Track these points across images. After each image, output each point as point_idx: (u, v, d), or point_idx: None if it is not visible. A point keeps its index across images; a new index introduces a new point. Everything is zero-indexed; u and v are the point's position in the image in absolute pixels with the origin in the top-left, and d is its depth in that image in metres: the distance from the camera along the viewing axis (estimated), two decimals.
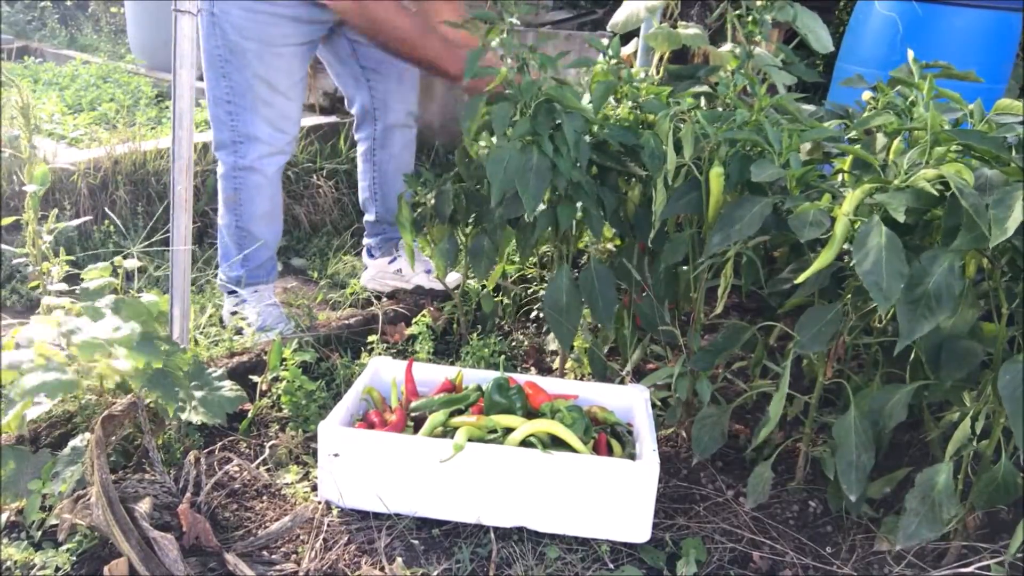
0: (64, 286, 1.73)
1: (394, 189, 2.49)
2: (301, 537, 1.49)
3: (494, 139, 1.77)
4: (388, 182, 2.52)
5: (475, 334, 2.20)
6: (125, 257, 1.69)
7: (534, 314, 2.39)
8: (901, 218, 1.26)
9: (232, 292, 2.30)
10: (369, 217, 2.60)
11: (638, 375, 1.99)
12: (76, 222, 1.96)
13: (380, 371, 1.85)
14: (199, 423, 1.69)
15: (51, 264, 1.75)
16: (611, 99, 1.87)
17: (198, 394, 1.55)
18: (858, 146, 1.59)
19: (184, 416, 1.50)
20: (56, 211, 1.80)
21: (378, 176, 2.53)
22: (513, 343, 2.25)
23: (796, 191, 1.49)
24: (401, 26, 2.05)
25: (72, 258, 1.80)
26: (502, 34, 1.72)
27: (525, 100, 1.68)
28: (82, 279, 1.67)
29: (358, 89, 2.43)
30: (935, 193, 1.31)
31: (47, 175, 1.68)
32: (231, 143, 2.18)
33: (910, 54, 1.69)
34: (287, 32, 2.12)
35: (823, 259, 1.38)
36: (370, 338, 2.13)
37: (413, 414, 1.70)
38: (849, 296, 1.50)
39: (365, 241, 2.64)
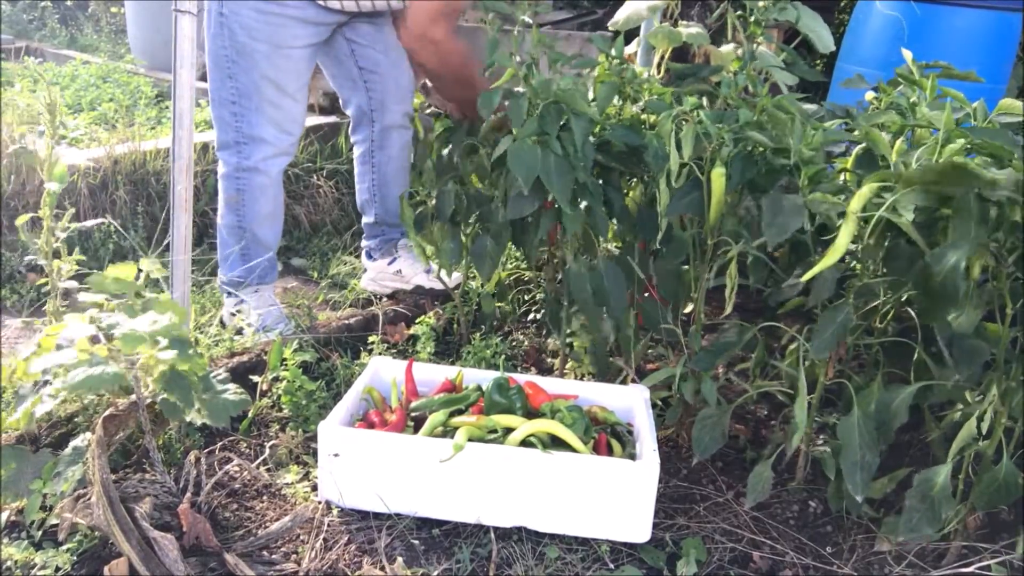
0: (74, 284, 1.73)
1: (393, 191, 2.48)
2: (301, 537, 1.49)
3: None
4: (387, 184, 2.51)
5: (475, 334, 2.19)
6: (135, 259, 1.69)
7: (532, 316, 2.39)
8: (909, 216, 1.26)
9: (232, 293, 2.29)
10: (368, 219, 2.60)
11: (638, 375, 1.99)
12: (91, 223, 1.96)
13: (380, 371, 1.84)
14: (200, 424, 1.69)
15: (62, 263, 1.75)
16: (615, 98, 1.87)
17: (201, 396, 1.54)
18: (862, 145, 1.58)
19: (188, 418, 1.50)
20: (73, 210, 1.80)
21: (377, 178, 2.52)
22: (513, 343, 2.25)
23: (806, 189, 1.49)
24: (462, 59, 2.16)
25: (81, 257, 1.80)
26: (514, 32, 1.72)
27: (536, 99, 1.68)
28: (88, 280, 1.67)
29: (355, 90, 2.42)
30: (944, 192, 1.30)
31: (65, 174, 1.68)
32: (235, 144, 2.18)
33: (907, 55, 1.69)
34: (296, 34, 2.12)
35: (832, 255, 1.38)
36: (370, 338, 2.13)
37: (413, 414, 1.70)
38: (851, 297, 1.49)
39: (364, 243, 2.64)
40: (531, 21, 1.72)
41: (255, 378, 1.87)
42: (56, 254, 1.76)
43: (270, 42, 2.09)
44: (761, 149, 1.58)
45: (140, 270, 1.64)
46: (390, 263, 2.57)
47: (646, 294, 1.86)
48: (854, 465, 1.43)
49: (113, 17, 6.07)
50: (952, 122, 1.35)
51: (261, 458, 1.71)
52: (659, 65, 2.14)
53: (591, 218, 1.77)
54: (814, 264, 1.41)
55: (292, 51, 2.13)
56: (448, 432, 1.61)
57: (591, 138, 1.73)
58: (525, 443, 1.56)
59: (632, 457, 1.61)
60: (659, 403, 1.89)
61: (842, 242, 1.36)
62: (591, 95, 1.83)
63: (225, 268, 2.29)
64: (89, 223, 1.92)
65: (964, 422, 1.38)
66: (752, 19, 1.65)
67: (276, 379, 1.89)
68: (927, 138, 1.40)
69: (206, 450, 1.71)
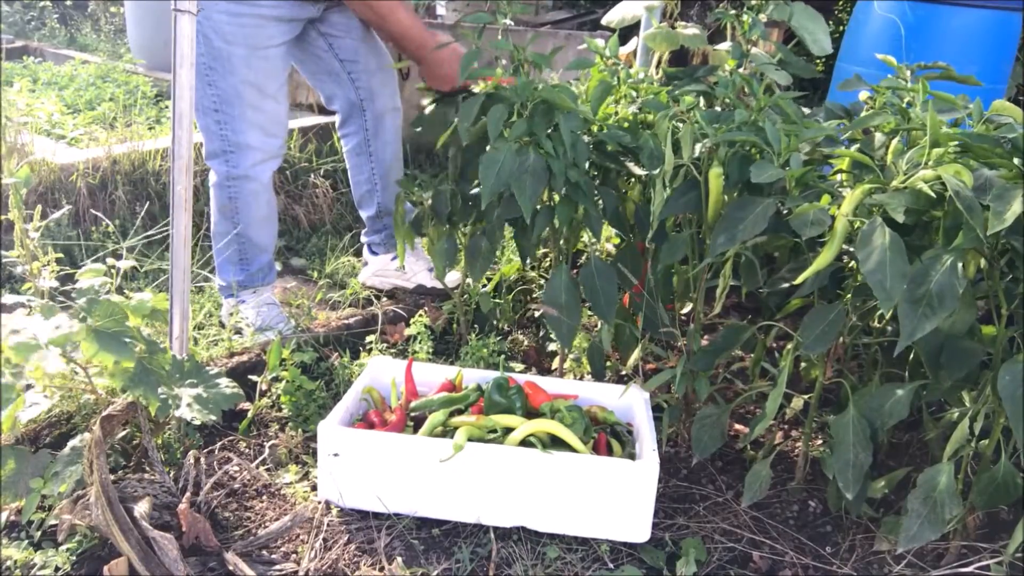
0: (55, 283, 1.73)
1: (395, 176, 2.46)
2: (301, 537, 1.49)
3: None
4: (388, 171, 2.48)
5: (475, 334, 2.20)
6: (117, 256, 1.68)
7: (532, 315, 2.39)
8: (900, 219, 1.26)
9: (231, 293, 2.29)
10: (369, 212, 2.57)
11: (638, 374, 1.99)
12: (57, 214, 1.94)
13: (380, 371, 1.84)
14: (198, 423, 1.69)
15: (41, 263, 1.74)
16: (611, 99, 1.87)
17: (193, 391, 1.54)
18: (856, 147, 1.59)
19: (178, 413, 1.49)
20: (40, 207, 1.79)
21: (377, 167, 2.50)
22: (513, 343, 2.25)
23: (795, 192, 1.49)
24: (403, 19, 2.16)
25: (60, 255, 1.79)
26: (497, 35, 1.72)
27: (521, 101, 1.68)
28: (76, 280, 1.67)
29: (338, 84, 2.39)
30: (933, 195, 1.31)
31: (29, 174, 1.68)
32: (222, 152, 2.15)
33: (891, 60, 1.69)
34: (272, 34, 2.10)
35: (822, 259, 1.38)
36: (369, 338, 2.13)
37: (413, 414, 1.70)
38: (848, 296, 1.50)
39: (365, 239, 2.63)
40: (511, 23, 1.72)
41: (254, 378, 1.87)
42: (35, 255, 1.75)
43: (247, 45, 2.06)
44: (759, 149, 1.58)
45: (111, 268, 1.64)
46: (393, 258, 2.56)
47: (641, 293, 1.86)
48: (846, 464, 1.43)
49: (113, 17, 6.08)
50: (937, 127, 1.36)
51: (261, 458, 1.71)
52: (658, 65, 2.14)
53: (585, 218, 1.77)
54: (808, 264, 1.41)
55: (269, 51, 2.11)
56: (448, 432, 1.61)
57: (586, 138, 1.72)
58: (525, 443, 1.57)
59: (632, 457, 1.62)
60: (665, 403, 1.90)
61: (832, 249, 1.36)
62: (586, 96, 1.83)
63: (223, 273, 2.29)
64: (55, 215, 1.91)
65: (961, 422, 1.38)
66: (744, 19, 1.65)
67: (275, 379, 1.89)
68: (922, 138, 1.40)
69: (205, 450, 1.71)
